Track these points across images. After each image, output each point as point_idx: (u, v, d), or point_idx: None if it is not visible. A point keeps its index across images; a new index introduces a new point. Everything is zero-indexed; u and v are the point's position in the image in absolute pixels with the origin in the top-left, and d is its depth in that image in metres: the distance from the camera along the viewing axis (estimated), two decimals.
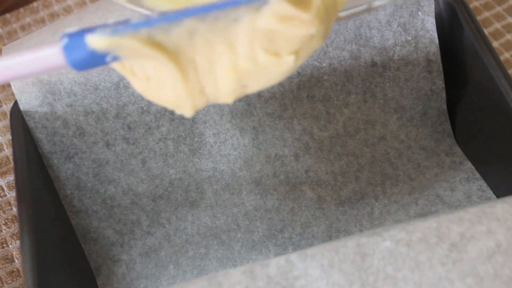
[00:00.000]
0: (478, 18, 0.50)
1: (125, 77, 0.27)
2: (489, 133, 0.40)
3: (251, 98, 0.41)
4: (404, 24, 0.41)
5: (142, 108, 0.39)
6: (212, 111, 0.40)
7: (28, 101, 0.37)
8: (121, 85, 0.38)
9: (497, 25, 0.50)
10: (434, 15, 0.41)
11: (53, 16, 0.53)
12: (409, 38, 0.41)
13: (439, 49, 0.41)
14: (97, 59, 0.25)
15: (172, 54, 0.26)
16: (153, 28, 0.25)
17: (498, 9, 0.51)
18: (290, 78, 0.41)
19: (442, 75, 0.42)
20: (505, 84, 0.36)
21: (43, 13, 0.54)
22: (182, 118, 0.40)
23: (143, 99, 0.39)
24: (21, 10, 0.54)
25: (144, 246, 0.41)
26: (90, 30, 0.24)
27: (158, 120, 0.40)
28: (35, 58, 0.25)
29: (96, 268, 0.40)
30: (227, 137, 0.41)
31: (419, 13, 0.41)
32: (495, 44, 0.49)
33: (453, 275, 0.26)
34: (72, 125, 0.38)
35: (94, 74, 0.37)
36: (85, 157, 0.39)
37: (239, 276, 0.27)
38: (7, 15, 0.53)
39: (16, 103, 0.38)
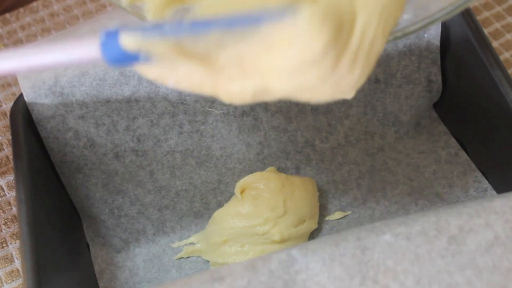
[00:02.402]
0: (478, 18, 0.50)
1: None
2: (488, 129, 0.40)
3: (258, 112, 0.41)
4: (410, 45, 0.41)
5: (151, 121, 0.40)
6: (220, 126, 0.41)
7: (41, 111, 0.37)
8: (132, 98, 0.39)
9: (497, 25, 0.50)
10: (439, 38, 0.41)
11: (53, 16, 0.53)
12: (413, 58, 0.42)
13: (440, 70, 0.42)
14: (129, 58, 0.26)
15: (200, 59, 0.26)
16: (182, 36, 0.25)
17: (498, 9, 0.51)
18: None
19: (440, 94, 0.43)
20: (505, 84, 0.36)
21: (43, 13, 0.53)
22: (190, 131, 0.41)
23: (153, 112, 0.39)
24: (21, 9, 0.54)
25: (148, 254, 0.41)
26: (125, 28, 0.26)
27: (166, 133, 0.40)
28: (74, 49, 0.26)
29: (99, 271, 0.40)
30: (233, 151, 0.42)
31: (425, 35, 0.41)
32: (495, 44, 0.49)
33: (452, 268, 0.26)
34: (83, 136, 0.39)
35: (106, 87, 0.38)
36: (95, 168, 0.40)
37: (241, 271, 0.27)
38: (7, 15, 0.53)
39: (16, 103, 0.38)
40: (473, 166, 0.41)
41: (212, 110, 0.40)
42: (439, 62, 0.42)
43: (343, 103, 0.43)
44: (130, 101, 0.39)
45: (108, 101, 0.38)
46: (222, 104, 0.40)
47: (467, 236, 0.27)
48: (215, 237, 0.39)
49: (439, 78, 0.42)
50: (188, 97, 0.39)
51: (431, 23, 0.28)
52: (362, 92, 0.42)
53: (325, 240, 0.28)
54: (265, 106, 0.41)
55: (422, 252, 0.27)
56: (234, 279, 0.26)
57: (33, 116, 0.37)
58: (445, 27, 0.41)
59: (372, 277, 0.26)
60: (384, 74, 0.42)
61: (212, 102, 0.40)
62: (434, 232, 0.27)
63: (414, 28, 0.28)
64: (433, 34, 0.41)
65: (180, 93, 0.39)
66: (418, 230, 0.27)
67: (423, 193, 0.41)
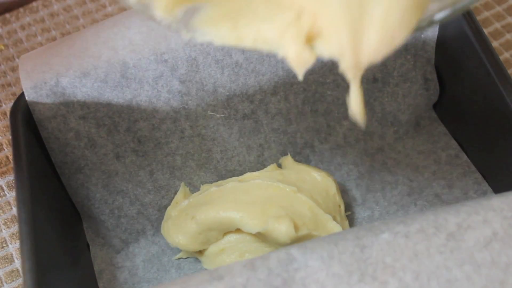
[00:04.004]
0: (478, 18, 0.50)
1: None
2: (488, 131, 0.40)
3: (259, 115, 0.41)
4: (406, 44, 0.42)
5: (153, 125, 0.40)
6: (221, 130, 0.41)
7: (42, 112, 0.37)
8: (134, 102, 0.39)
9: (497, 25, 0.50)
10: (436, 39, 0.41)
11: (53, 15, 0.53)
12: (409, 57, 0.42)
13: (435, 69, 0.42)
14: None
15: None
16: None
17: (498, 9, 0.51)
18: (295, 94, 0.41)
19: (438, 92, 0.43)
20: (505, 84, 0.36)
21: (42, 13, 0.54)
22: (191, 135, 0.41)
23: (154, 116, 0.39)
24: (21, 9, 0.54)
25: (148, 254, 0.41)
26: None
27: (168, 137, 0.40)
28: None
29: (99, 271, 0.40)
30: (234, 154, 0.42)
31: (422, 35, 0.41)
32: (495, 44, 0.49)
33: (451, 263, 0.26)
34: (84, 137, 0.39)
35: (108, 90, 0.38)
36: (95, 168, 0.40)
37: (240, 269, 0.27)
38: (7, 15, 0.54)
39: (16, 103, 0.38)
40: (473, 168, 0.41)
41: (214, 114, 0.40)
42: (433, 61, 0.42)
43: (341, 104, 0.43)
44: (131, 104, 0.39)
45: (109, 103, 0.38)
46: (224, 108, 0.40)
47: (465, 232, 0.27)
48: (211, 247, 0.39)
49: (435, 76, 0.42)
50: (190, 101, 0.39)
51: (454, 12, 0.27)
52: None
53: (324, 239, 0.28)
54: (265, 109, 0.41)
55: (420, 249, 0.27)
56: (233, 277, 0.26)
57: (34, 116, 0.37)
58: (444, 27, 0.41)
59: (371, 274, 0.26)
60: (382, 73, 0.42)
61: (214, 106, 0.40)
62: (433, 229, 0.27)
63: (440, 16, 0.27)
64: (430, 35, 0.41)
65: (182, 97, 0.39)
66: (416, 228, 0.27)
67: (422, 194, 0.41)
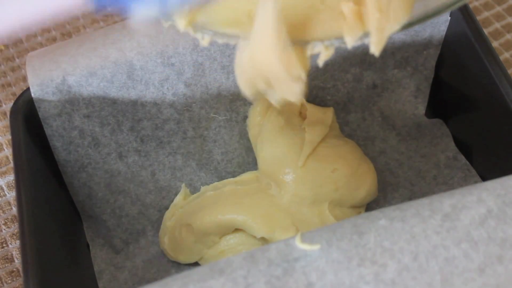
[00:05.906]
0: (478, 18, 0.50)
1: None
2: (488, 131, 0.40)
3: None
4: (407, 57, 0.42)
5: (156, 124, 0.40)
6: (222, 132, 0.41)
7: (47, 109, 0.37)
8: (138, 102, 0.39)
9: (497, 25, 0.50)
10: (436, 58, 0.41)
11: None
12: (408, 69, 0.42)
13: (429, 87, 0.43)
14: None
15: None
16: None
17: (498, 9, 0.51)
18: None
19: (426, 103, 0.43)
20: (505, 84, 0.36)
21: None
22: (193, 137, 0.41)
23: (158, 117, 0.40)
24: None
25: (148, 254, 0.41)
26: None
27: (170, 137, 0.40)
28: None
29: (99, 271, 0.40)
30: (234, 156, 0.42)
31: (424, 52, 0.41)
32: (495, 44, 0.49)
33: (448, 242, 0.27)
34: (88, 135, 0.39)
35: (113, 90, 0.38)
36: (98, 167, 0.40)
37: (241, 261, 0.27)
38: None
39: (16, 103, 0.38)
40: (473, 171, 0.41)
41: (216, 116, 0.41)
42: (430, 81, 0.42)
43: (342, 109, 0.43)
44: (136, 105, 0.39)
45: (114, 102, 0.38)
46: (226, 111, 0.40)
47: (461, 212, 0.27)
48: (210, 250, 0.39)
49: (428, 90, 0.43)
50: (194, 104, 0.40)
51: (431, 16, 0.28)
52: (360, 98, 0.43)
53: (322, 228, 0.28)
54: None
55: (417, 231, 0.27)
56: (234, 269, 0.27)
57: (40, 113, 0.38)
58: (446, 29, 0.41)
59: (369, 258, 0.27)
60: (381, 80, 0.42)
61: (216, 108, 0.40)
62: (428, 212, 0.28)
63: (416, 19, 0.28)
64: (432, 54, 0.41)
65: (186, 100, 0.39)
66: (412, 212, 0.28)
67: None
